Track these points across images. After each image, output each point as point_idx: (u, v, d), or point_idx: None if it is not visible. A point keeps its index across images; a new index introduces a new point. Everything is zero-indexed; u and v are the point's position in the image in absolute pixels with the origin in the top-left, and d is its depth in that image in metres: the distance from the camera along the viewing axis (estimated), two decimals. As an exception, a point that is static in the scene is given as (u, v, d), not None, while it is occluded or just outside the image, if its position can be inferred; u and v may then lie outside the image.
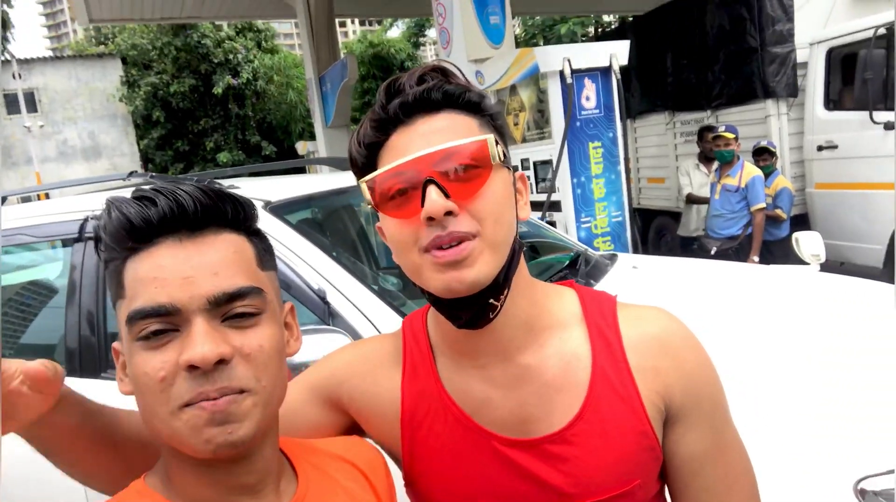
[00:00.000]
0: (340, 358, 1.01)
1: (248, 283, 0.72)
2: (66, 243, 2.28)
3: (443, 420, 0.91)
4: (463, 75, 0.85)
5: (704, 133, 6.17)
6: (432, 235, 0.77)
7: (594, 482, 0.85)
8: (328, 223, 2.84)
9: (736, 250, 5.20)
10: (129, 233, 0.70)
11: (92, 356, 2.12)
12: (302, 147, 13.79)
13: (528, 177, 5.33)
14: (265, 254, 0.80)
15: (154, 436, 0.73)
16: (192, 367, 0.67)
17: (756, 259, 5.06)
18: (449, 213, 0.76)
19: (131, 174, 2.54)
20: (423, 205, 0.76)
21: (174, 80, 21.17)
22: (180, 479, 0.76)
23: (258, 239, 0.80)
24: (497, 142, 0.81)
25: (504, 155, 0.83)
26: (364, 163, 0.83)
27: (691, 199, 6.28)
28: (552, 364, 0.87)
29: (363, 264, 2.45)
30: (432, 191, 0.76)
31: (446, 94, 0.81)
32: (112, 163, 23.49)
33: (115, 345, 0.77)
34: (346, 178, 2.93)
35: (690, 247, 5.98)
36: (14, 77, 21.04)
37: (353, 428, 1.01)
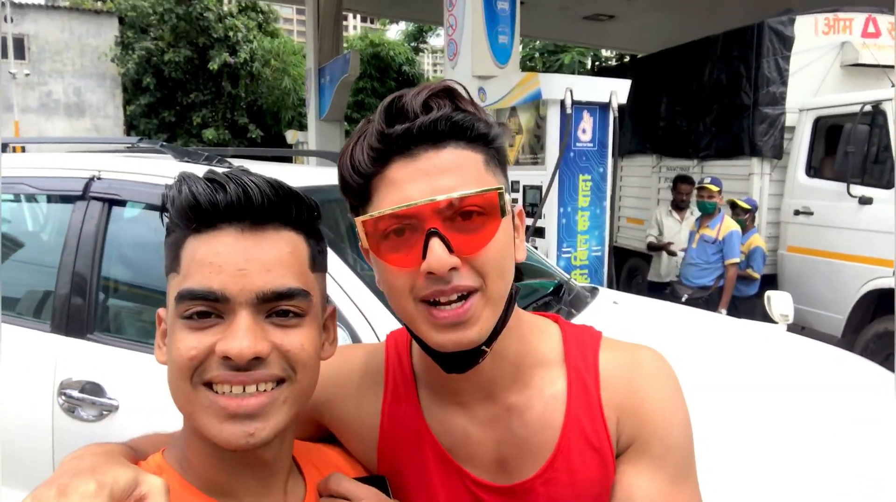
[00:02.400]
0: (323, 375, 0.91)
1: (297, 285, 0.73)
2: (68, 200, 2.29)
3: (419, 451, 0.90)
4: (469, 95, 0.79)
5: (678, 183, 6.33)
6: (432, 288, 0.73)
7: None
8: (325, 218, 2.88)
9: (706, 300, 5.33)
10: (195, 213, 0.72)
11: (80, 316, 2.13)
12: (292, 136, 13.71)
13: (516, 199, 5.42)
14: (319, 255, 0.81)
15: (179, 410, 0.74)
16: (227, 358, 0.69)
17: (724, 312, 5.20)
18: (452, 269, 0.73)
19: (141, 139, 2.55)
20: (423, 257, 0.72)
21: (170, 48, 20.88)
22: (195, 456, 0.77)
23: (315, 240, 0.81)
24: (506, 190, 0.77)
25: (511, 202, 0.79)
26: (357, 190, 0.77)
27: (652, 247, 6.42)
28: (532, 404, 0.86)
29: (359, 262, 2.49)
30: (436, 246, 0.71)
31: (454, 125, 0.75)
32: (95, 123, 23.06)
33: (161, 311, 0.78)
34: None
35: (661, 292, 6.11)
36: (5, 20, 20.55)
37: (333, 438, 0.99)
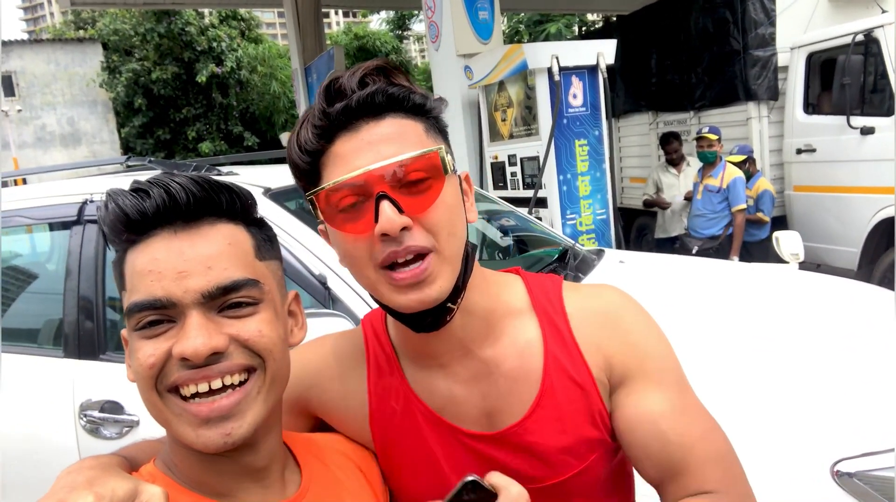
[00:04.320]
0: (303, 362, 0.98)
1: (242, 276, 0.73)
2: (64, 226, 2.30)
3: (411, 417, 0.93)
4: (405, 73, 0.83)
5: (665, 142, 6.29)
6: (387, 250, 0.76)
7: (557, 463, 0.89)
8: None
9: (716, 250, 5.31)
10: (126, 225, 0.71)
11: (91, 338, 2.15)
12: (286, 138, 13.75)
13: (515, 173, 5.40)
14: (265, 243, 0.80)
15: (156, 421, 0.74)
16: (185, 359, 0.69)
17: (736, 259, 5.17)
18: (404, 229, 0.75)
19: (129, 157, 2.56)
20: (376, 221, 0.75)
21: (156, 66, 20.89)
22: (182, 462, 0.77)
23: (258, 229, 0.80)
24: (447, 151, 0.81)
25: (453, 162, 0.83)
26: (307, 170, 0.80)
27: (648, 204, 6.39)
28: (508, 354, 0.90)
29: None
30: (386, 208, 0.74)
31: (391, 97, 0.79)
32: (91, 150, 23.14)
33: (124, 332, 0.78)
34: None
35: (670, 247, 6.09)
36: (-9, 59, 20.62)
37: (322, 428, 1.01)
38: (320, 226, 0.86)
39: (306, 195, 0.81)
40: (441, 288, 0.79)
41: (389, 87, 0.79)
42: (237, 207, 0.77)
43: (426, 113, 0.82)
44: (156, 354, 0.69)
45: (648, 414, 0.87)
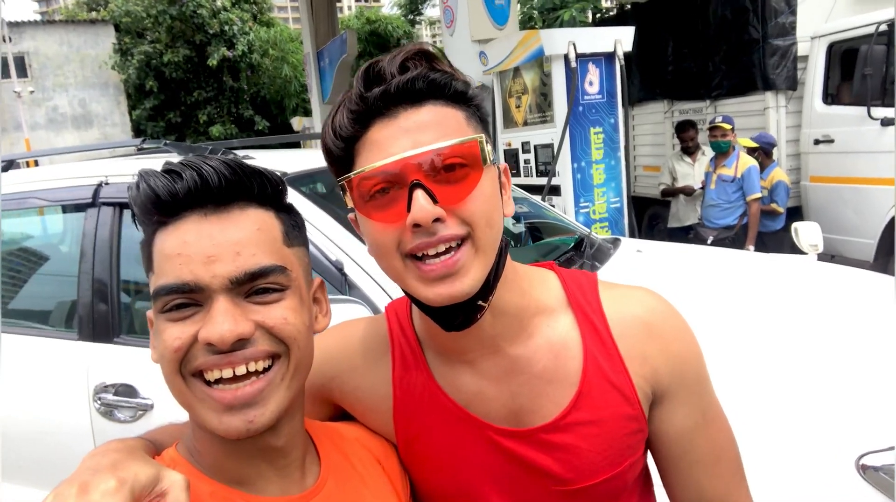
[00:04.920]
0: (327, 352, 0.95)
1: (270, 262, 0.72)
2: (79, 208, 2.29)
3: (437, 412, 0.91)
4: (447, 59, 0.80)
5: (681, 130, 6.22)
6: (418, 240, 0.74)
7: (588, 467, 0.86)
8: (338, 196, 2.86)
9: (731, 240, 5.26)
10: (156, 206, 0.71)
11: (105, 321, 2.14)
12: (298, 123, 13.76)
13: (529, 160, 5.36)
14: (293, 230, 0.79)
15: (180, 405, 0.74)
16: (210, 344, 0.69)
17: (752, 248, 5.12)
18: (437, 220, 0.73)
19: (144, 140, 2.55)
20: (409, 210, 0.72)
21: (168, 49, 20.91)
22: (204, 447, 0.77)
23: (287, 215, 0.80)
24: (487, 141, 0.78)
25: (493, 153, 0.80)
26: (341, 156, 0.77)
27: (666, 193, 6.33)
28: (542, 354, 0.87)
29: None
30: (420, 197, 0.72)
31: (432, 83, 0.75)
32: (103, 132, 23.22)
33: (149, 313, 0.78)
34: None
35: (683, 237, 6.04)
36: (4, 40, 20.64)
37: (344, 415, 1.00)
38: (350, 215, 0.83)
39: (338, 180, 0.79)
40: (472, 281, 0.75)
41: (431, 73, 0.75)
42: (268, 192, 0.76)
43: (468, 101, 0.79)
44: (182, 338, 0.69)
45: (687, 430, 0.89)
